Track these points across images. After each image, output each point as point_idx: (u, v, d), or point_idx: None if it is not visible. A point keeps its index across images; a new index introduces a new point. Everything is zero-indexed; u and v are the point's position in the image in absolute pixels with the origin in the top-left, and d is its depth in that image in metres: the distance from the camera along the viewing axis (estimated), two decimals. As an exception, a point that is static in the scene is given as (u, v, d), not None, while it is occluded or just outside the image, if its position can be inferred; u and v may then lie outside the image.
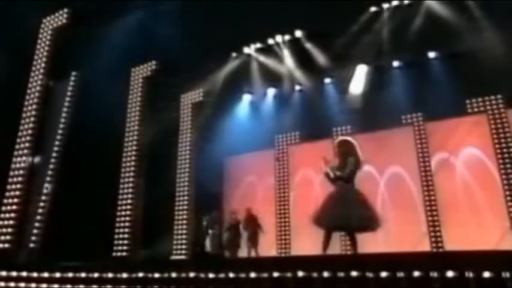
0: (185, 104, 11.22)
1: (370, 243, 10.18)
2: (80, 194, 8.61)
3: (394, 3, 9.17)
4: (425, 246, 10.14)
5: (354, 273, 4.82)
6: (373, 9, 9.43)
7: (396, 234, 10.57)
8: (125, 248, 8.80)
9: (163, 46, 9.66)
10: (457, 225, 9.88)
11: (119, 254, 8.78)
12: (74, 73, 8.43)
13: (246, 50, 11.00)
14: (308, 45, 10.66)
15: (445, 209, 10.10)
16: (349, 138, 5.75)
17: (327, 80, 11.67)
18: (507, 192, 9.50)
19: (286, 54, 10.92)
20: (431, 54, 10.31)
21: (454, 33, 9.38)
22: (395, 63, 10.78)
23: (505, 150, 9.70)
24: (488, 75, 9.39)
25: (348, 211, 5.11)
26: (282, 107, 12.32)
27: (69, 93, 8.26)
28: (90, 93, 8.76)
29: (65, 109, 8.19)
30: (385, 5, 9.29)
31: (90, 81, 8.74)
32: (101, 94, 8.67)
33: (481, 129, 10.11)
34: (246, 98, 12.64)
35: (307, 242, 11.70)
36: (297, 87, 12.04)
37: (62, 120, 8.16)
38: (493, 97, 10.01)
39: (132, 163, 9.22)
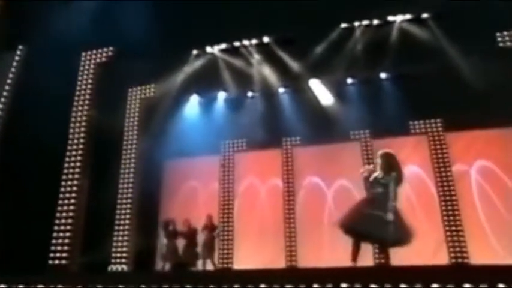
0: (133, 98, 10.27)
1: (315, 257, 10.49)
2: (15, 193, 7.31)
3: (365, 22, 9.49)
4: (368, 259, 10.48)
5: (315, 286, 4.77)
6: (343, 25, 9.65)
7: (342, 245, 10.79)
8: (64, 255, 7.59)
9: (122, 33, 8.78)
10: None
11: (56, 262, 7.54)
12: (20, 47, 7.16)
13: (209, 49, 10.47)
14: (269, 54, 10.52)
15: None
16: (390, 151, 5.64)
17: (281, 90, 11.63)
18: (443, 208, 10.31)
19: (247, 58, 10.64)
20: (383, 75, 10.86)
21: (408, 57, 9.97)
22: (349, 80, 11.16)
23: (442, 169, 10.55)
24: (431, 99, 10.18)
25: (383, 225, 4.98)
26: (232, 112, 11.95)
27: (12, 70, 6.97)
28: (36, 73, 7.54)
29: (6, 87, 6.88)
30: (356, 23, 9.58)
31: (38, 59, 7.52)
32: (48, 76, 7.51)
33: (422, 150, 10.91)
34: (195, 99, 12.02)
35: (250, 253, 11.46)
36: (250, 93, 11.80)
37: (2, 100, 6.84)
38: (433, 120, 10.89)
39: (78, 158, 8.08)
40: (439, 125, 10.83)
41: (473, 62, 9.05)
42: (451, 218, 10.21)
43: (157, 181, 12.08)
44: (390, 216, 5.05)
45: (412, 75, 10.22)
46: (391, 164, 5.38)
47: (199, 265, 9.14)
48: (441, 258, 9.90)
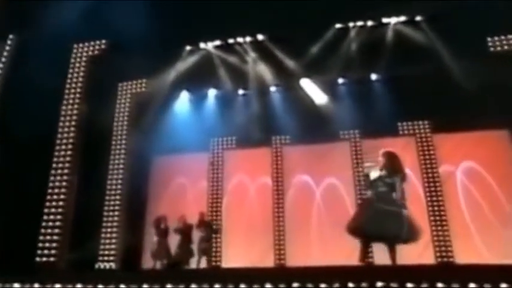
0: (124, 93, 10.08)
1: (303, 255, 10.53)
2: (1, 188, 7.09)
3: (359, 23, 9.57)
4: (355, 257, 10.56)
5: (297, 284, 4.82)
6: (338, 26, 9.70)
7: (331, 244, 10.89)
8: (52, 252, 7.39)
9: (114, 27, 8.60)
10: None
11: (44, 259, 7.33)
12: (11, 36, 6.92)
13: (202, 45, 10.35)
14: (262, 52, 10.49)
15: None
16: (392, 150, 5.69)
17: (273, 88, 11.61)
18: (430, 208, 10.49)
19: (240, 56, 10.58)
20: (374, 76, 10.97)
21: (399, 59, 10.08)
22: (341, 80, 11.22)
23: (429, 171, 10.73)
24: (420, 101, 10.34)
25: (390, 223, 5.01)
26: (222, 109, 11.86)
27: (3, 60, 6.73)
28: (27, 64, 7.31)
29: (-4, 78, 6.64)
30: (351, 24, 9.64)
31: (29, 50, 7.29)
32: (39, 68, 7.29)
33: (410, 151, 11.05)
34: (185, 95, 11.87)
35: (239, 251, 11.40)
36: (241, 91, 11.74)
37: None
38: (421, 122, 11.06)
39: (68, 153, 7.88)
40: (426, 126, 11.02)
41: (463, 65, 9.23)
42: (437, 218, 10.40)
43: (145, 177, 11.90)
44: (405, 212, 5.11)
45: (403, 77, 10.33)
46: (395, 164, 5.45)
47: (194, 263, 9.00)
48: (427, 257, 10.11)
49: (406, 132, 11.16)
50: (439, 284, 4.58)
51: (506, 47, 8.65)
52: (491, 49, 8.74)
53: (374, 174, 5.47)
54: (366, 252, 5.40)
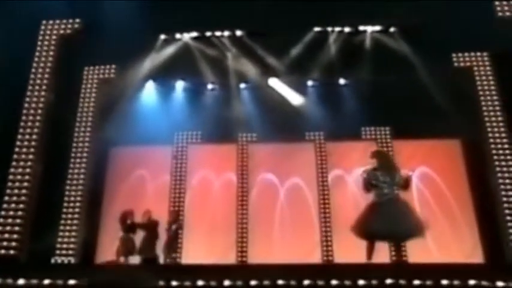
0: (90, 78, 9.50)
1: (265, 253, 10.61)
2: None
3: (337, 28, 9.82)
4: (316, 255, 10.86)
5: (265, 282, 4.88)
6: (317, 29, 9.87)
7: (292, 243, 11.07)
8: (12, 244, 6.79)
9: (86, 6, 8.11)
10: (347, 237, 10.88)
11: (2, 251, 6.73)
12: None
13: (178, 35, 10.02)
14: (237, 48, 10.41)
15: (337, 222, 11.03)
16: (379, 149, 5.83)
17: (242, 85, 11.57)
18: (387, 211, 11.01)
19: (216, 50, 10.41)
20: (342, 81, 11.32)
21: (369, 66, 10.51)
22: (310, 82, 11.44)
23: (388, 175, 11.27)
24: (384, 107, 10.82)
25: (396, 222, 5.14)
26: (189, 102, 11.61)
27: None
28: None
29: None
30: (329, 28, 9.85)
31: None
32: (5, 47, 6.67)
33: (371, 154, 11.52)
34: (153, 85, 11.44)
35: (200, 248, 11.19)
36: (210, 86, 11.57)
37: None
38: (382, 128, 11.58)
39: (33, 137, 7.28)
40: (387, 132, 11.55)
41: (428, 76, 9.81)
42: (393, 219, 10.94)
43: (103, 169, 11.27)
44: (410, 208, 5.30)
45: (371, 83, 10.75)
46: (388, 160, 5.67)
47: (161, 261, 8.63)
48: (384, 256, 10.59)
49: (368, 136, 11.62)
50: (388, 280, 4.71)
51: (468, 63, 9.35)
52: (455, 64, 9.38)
53: (373, 176, 5.62)
54: (372, 250, 5.52)
